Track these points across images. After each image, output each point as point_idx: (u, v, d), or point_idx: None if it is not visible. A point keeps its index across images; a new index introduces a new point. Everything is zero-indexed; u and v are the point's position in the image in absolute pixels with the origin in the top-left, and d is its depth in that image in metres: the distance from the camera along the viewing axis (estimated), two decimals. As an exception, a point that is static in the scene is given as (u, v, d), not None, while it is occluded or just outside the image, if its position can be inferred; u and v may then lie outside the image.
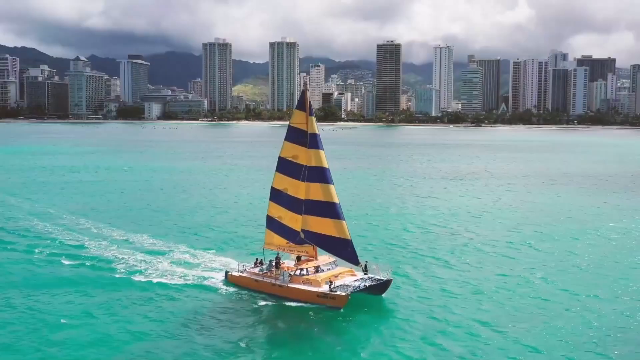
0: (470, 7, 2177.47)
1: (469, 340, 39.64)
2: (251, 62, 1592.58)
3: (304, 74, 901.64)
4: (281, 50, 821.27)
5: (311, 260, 49.53)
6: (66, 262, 56.81)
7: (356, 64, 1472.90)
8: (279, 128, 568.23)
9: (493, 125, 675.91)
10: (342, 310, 44.04)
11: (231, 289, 49.37)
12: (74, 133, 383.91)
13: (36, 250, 61.04)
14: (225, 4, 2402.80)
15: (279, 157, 50.63)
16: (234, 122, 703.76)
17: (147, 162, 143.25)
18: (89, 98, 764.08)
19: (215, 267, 54.87)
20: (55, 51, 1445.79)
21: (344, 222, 48.93)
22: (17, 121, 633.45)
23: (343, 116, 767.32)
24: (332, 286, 45.77)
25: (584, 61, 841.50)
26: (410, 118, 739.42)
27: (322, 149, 48.84)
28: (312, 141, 48.76)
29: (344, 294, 44.84)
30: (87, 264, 56.35)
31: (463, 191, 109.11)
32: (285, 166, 50.30)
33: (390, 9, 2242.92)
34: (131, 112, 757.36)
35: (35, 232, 69.51)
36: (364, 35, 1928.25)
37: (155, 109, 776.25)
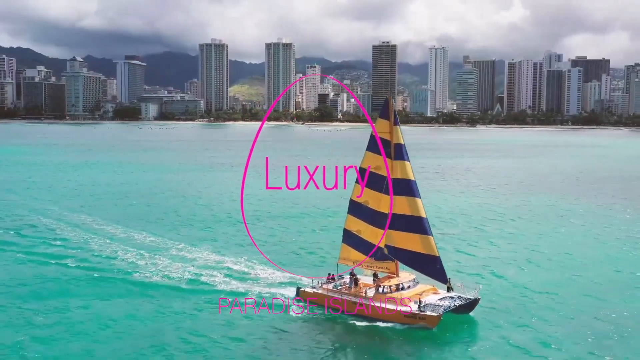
0: (465, 7, 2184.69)
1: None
2: (247, 62, 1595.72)
3: (300, 75, 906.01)
4: (277, 51, 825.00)
5: (392, 277, 46.44)
6: (137, 276, 54.49)
7: (352, 64, 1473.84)
8: (274, 128, 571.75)
9: (488, 125, 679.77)
10: (434, 330, 41.37)
11: (304, 307, 46.27)
12: (85, 135, 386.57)
13: (109, 266, 58.44)
14: (220, 4, 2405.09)
15: (360, 168, 48.02)
16: (231, 122, 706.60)
17: (192, 174, 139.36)
18: (86, 98, 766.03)
19: (281, 282, 51.82)
20: (50, 51, 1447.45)
21: (431, 237, 45.82)
22: (14, 121, 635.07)
23: (339, 117, 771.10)
24: (422, 305, 42.58)
25: (578, 62, 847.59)
26: (406, 119, 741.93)
27: (408, 160, 45.97)
28: (397, 152, 45.89)
29: (435, 314, 41.72)
30: (156, 278, 53.85)
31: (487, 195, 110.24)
32: (367, 177, 47.62)
33: (385, 9, 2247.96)
34: (128, 113, 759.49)
35: (103, 248, 65.40)
36: (359, 35, 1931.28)
37: (152, 109, 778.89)
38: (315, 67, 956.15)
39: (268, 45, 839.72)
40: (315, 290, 47.18)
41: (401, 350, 39.36)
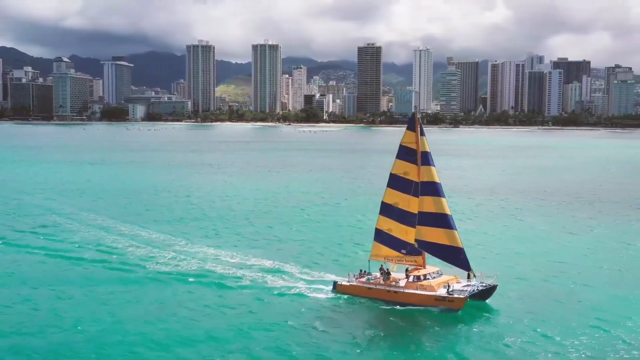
0: (449, 7, 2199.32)
1: (583, 337, 42.59)
2: (233, 62, 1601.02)
3: (287, 76, 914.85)
4: (264, 52, 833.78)
5: (419, 269, 51.76)
6: (176, 275, 57.98)
7: (338, 64, 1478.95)
8: (262, 129, 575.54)
9: (470, 126, 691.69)
10: (459, 313, 47.13)
11: (343, 297, 51.14)
12: (77, 136, 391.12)
13: (148, 267, 61.03)
14: (204, 4, 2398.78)
15: (391, 174, 53.39)
16: (218, 123, 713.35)
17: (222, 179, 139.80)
18: (74, 99, 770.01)
19: (314, 280, 55.75)
20: (34, 51, 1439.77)
21: (455, 231, 50.96)
22: (1, 122, 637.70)
23: (325, 117, 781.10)
24: (449, 290, 48.51)
25: (559, 63, 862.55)
26: (391, 119, 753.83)
27: (434, 166, 51.49)
28: (423, 158, 51.45)
29: (462, 296, 47.58)
30: (207, 279, 57.00)
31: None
32: (396, 182, 52.95)
33: (369, 9, 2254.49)
34: (115, 114, 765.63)
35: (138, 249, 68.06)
36: (344, 36, 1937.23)
37: (140, 110, 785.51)
38: (301, 68, 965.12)
39: (255, 47, 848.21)
40: (351, 283, 52.35)
41: (428, 331, 44.69)
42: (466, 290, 48.24)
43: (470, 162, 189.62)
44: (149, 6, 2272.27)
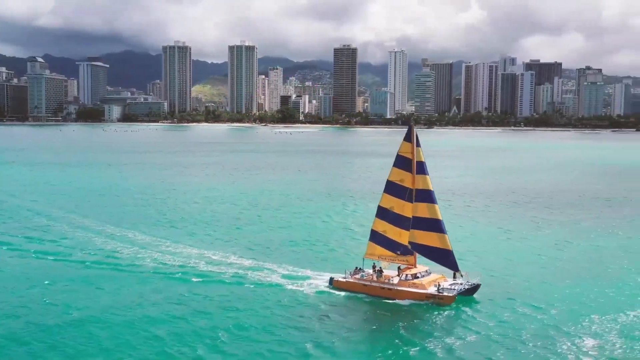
0: (424, 8, 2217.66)
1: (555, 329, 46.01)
2: (209, 62, 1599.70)
3: (263, 76, 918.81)
4: (240, 53, 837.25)
5: (411, 268, 55.34)
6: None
7: (314, 64, 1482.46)
8: (238, 130, 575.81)
9: (444, 127, 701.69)
10: (449, 307, 50.60)
11: (340, 293, 54.20)
12: (56, 138, 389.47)
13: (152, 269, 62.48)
14: (179, 4, 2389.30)
15: (387, 181, 57.09)
16: (194, 124, 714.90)
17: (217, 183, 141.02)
18: (49, 100, 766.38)
19: (310, 276, 58.67)
20: (7, 50, 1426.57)
21: (446, 235, 54.70)
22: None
23: (301, 118, 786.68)
24: (440, 288, 52.26)
25: (532, 65, 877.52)
26: (366, 120, 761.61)
27: (428, 174, 55.11)
28: (418, 168, 55.17)
29: (451, 294, 51.33)
30: (197, 277, 59.28)
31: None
32: (392, 188, 56.68)
33: (345, 9, 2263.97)
34: (91, 114, 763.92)
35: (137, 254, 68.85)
36: (320, 36, 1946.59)
37: (116, 111, 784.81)
38: (277, 68, 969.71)
39: (231, 48, 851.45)
40: (347, 280, 55.49)
41: (421, 324, 48.04)
42: (455, 289, 52.16)
43: (437, 163, 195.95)
44: (124, 5, 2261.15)
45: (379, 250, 57.10)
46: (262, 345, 43.51)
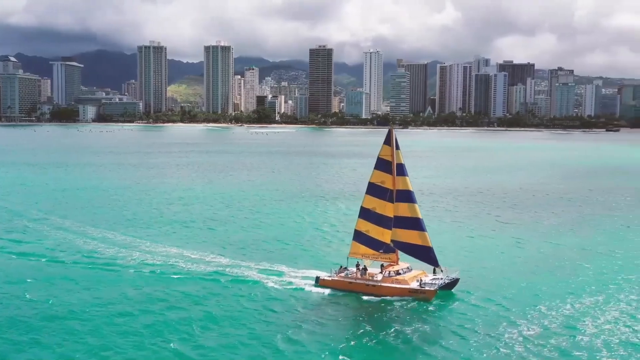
0: (399, 8, 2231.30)
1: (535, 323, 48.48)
2: (184, 61, 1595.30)
3: (239, 77, 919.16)
4: (216, 53, 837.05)
5: (393, 265, 57.65)
6: (175, 277, 60.67)
7: (290, 64, 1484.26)
8: (214, 131, 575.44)
9: (419, 127, 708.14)
10: (430, 302, 52.97)
11: (325, 291, 55.89)
12: (32, 138, 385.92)
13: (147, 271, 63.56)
14: (153, 3, 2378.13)
15: (369, 183, 59.23)
16: (170, 124, 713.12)
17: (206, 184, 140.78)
18: (22, 100, 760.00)
19: (297, 276, 60.28)
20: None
21: (426, 233, 57.17)
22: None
23: (277, 118, 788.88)
24: (422, 283, 54.71)
25: (505, 66, 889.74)
26: (342, 120, 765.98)
27: (407, 176, 57.66)
28: (398, 169, 57.52)
29: (432, 289, 53.73)
30: (195, 278, 60.58)
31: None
32: (374, 189, 58.81)
33: (320, 9, 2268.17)
34: (65, 115, 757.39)
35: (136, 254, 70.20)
36: (296, 36, 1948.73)
37: (90, 111, 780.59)
38: (253, 69, 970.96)
39: (207, 48, 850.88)
40: (333, 278, 57.30)
41: (406, 318, 50.11)
42: (436, 284, 54.58)
43: (408, 164, 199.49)
44: (97, 4, 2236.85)
45: (363, 249, 59.12)
46: (246, 341, 45.21)
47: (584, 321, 49.07)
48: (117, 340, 45.34)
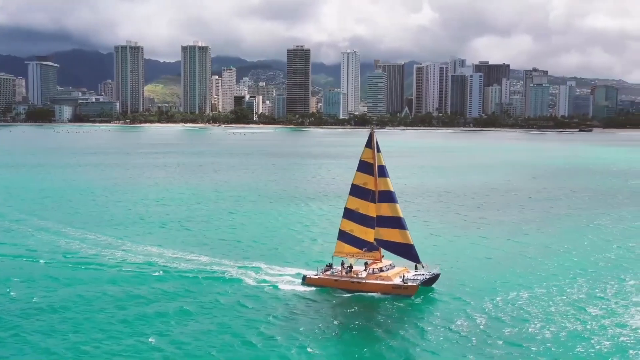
0: (376, 8, 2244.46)
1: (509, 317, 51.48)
2: (161, 61, 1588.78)
3: (216, 77, 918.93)
4: (193, 53, 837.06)
5: (377, 263, 59.84)
6: (171, 275, 62.72)
7: (268, 64, 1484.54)
8: (192, 131, 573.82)
9: (396, 127, 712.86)
10: (413, 298, 55.46)
11: (312, 289, 57.74)
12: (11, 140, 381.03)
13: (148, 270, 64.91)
14: (130, 2, 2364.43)
15: (352, 184, 61.43)
16: (147, 125, 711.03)
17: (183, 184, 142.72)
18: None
19: (282, 274, 62.16)
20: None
21: (407, 231, 59.49)
22: None
23: (255, 119, 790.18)
24: (404, 279, 57.06)
25: (481, 67, 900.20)
26: (320, 121, 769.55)
27: (389, 177, 59.98)
28: (380, 171, 59.65)
29: (414, 284, 56.09)
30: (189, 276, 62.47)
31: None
32: (357, 191, 60.92)
33: (297, 9, 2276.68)
34: (41, 115, 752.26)
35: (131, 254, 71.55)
36: (273, 35, 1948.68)
37: (67, 111, 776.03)
38: (230, 69, 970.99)
39: (184, 48, 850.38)
40: (319, 276, 59.24)
41: (390, 313, 52.62)
42: (417, 279, 56.89)
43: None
44: (72, 3, 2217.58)
45: (347, 248, 61.09)
46: (228, 338, 47.00)
47: (534, 309, 53.21)
48: (97, 336, 47.24)
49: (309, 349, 45.01)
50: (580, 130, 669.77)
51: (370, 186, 60.13)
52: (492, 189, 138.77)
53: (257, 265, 65.35)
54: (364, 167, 60.78)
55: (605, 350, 45.10)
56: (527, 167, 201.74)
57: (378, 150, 60.09)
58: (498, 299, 55.84)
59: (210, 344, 45.90)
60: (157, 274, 63.08)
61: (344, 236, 61.57)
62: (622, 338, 47.19)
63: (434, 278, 58.60)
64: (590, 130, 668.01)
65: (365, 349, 45.29)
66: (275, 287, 58.64)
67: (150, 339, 46.43)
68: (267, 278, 60.93)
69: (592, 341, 46.53)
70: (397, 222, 59.42)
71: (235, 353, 44.70)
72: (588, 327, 49.52)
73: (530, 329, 48.80)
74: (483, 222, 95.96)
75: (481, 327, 49.22)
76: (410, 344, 46.36)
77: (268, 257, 69.90)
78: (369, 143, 60.53)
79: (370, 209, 60.12)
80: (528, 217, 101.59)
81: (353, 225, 60.92)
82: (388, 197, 59.70)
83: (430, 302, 55.27)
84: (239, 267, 64.70)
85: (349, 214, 61.57)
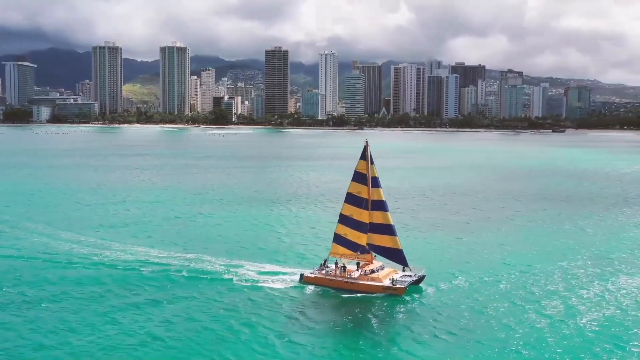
0: (353, 8, 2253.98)
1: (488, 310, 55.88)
2: (138, 60, 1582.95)
3: (195, 77, 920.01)
4: (172, 54, 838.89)
5: (369, 264, 64.39)
6: (173, 275, 65.52)
7: (246, 64, 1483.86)
8: (171, 132, 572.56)
9: (374, 128, 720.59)
10: (401, 297, 59.44)
11: (309, 287, 61.84)
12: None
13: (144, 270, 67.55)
14: (105, 1, 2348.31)
15: (347, 193, 66.08)
16: (126, 125, 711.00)
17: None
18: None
19: (282, 272, 66.53)
20: None
21: (397, 237, 64.12)
22: None
23: (234, 119, 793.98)
24: (393, 280, 61.22)
25: (457, 68, 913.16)
26: (298, 121, 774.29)
27: (381, 187, 64.70)
28: (373, 182, 64.36)
29: (403, 286, 60.33)
30: (187, 274, 65.90)
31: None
32: (352, 199, 65.65)
33: (275, 9, 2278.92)
34: (19, 116, 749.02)
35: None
36: (251, 35, 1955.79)
37: (45, 112, 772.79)
38: (209, 70, 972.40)
39: (162, 49, 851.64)
40: (316, 275, 63.49)
41: (380, 311, 56.51)
42: (406, 281, 61.46)
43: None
44: (46, 1, 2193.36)
45: (342, 249, 66.11)
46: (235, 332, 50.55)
47: (508, 303, 58.89)
48: (79, 329, 50.21)
49: (305, 344, 48.60)
50: (553, 131, 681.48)
51: (364, 195, 64.78)
52: (456, 191, 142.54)
53: (253, 265, 69.28)
54: (358, 177, 65.53)
55: (581, 342, 49.64)
56: (497, 169, 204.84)
57: (372, 163, 64.66)
58: (477, 295, 60.81)
59: (208, 343, 48.49)
60: (147, 274, 65.94)
61: (338, 239, 66.51)
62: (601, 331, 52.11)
63: (420, 279, 63.44)
64: (563, 131, 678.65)
65: (358, 344, 49.04)
66: (272, 286, 62.42)
67: (143, 338, 48.84)
68: (265, 277, 64.82)
69: (562, 335, 50.96)
70: (388, 229, 64.41)
71: (234, 351, 47.47)
72: (568, 323, 53.76)
73: (504, 322, 53.82)
74: (456, 224, 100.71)
75: (463, 321, 53.70)
76: (396, 340, 50.19)
77: (265, 257, 73.90)
78: (364, 155, 65.02)
79: (363, 216, 64.88)
80: (487, 216, 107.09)
81: (347, 229, 65.81)
82: (380, 206, 64.60)
83: (417, 302, 59.45)
84: (238, 266, 68.51)
85: (343, 219, 66.54)
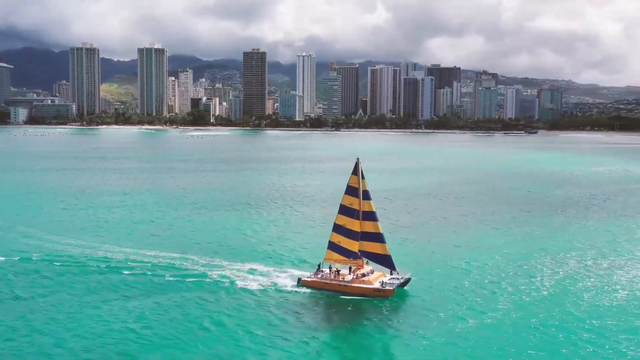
0: (331, 8, 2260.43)
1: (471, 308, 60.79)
2: (115, 60, 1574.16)
3: (172, 78, 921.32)
4: (150, 55, 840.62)
5: (360, 269, 69.53)
6: (171, 278, 69.25)
7: (224, 63, 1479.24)
8: (149, 133, 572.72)
9: (351, 129, 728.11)
10: (390, 298, 64.25)
11: (307, 290, 66.49)
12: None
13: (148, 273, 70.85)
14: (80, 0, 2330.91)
15: (341, 205, 71.46)
16: (104, 127, 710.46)
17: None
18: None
19: (281, 276, 71.20)
20: None
21: (386, 244, 69.31)
22: None
23: (212, 120, 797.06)
24: (383, 283, 66.48)
25: (433, 70, 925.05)
26: (276, 122, 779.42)
27: (371, 200, 69.96)
28: (364, 195, 69.72)
29: (391, 288, 65.50)
30: (188, 279, 69.43)
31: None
32: (345, 210, 71.03)
33: (253, 8, 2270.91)
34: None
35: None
36: (229, 34, 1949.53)
37: (22, 113, 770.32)
38: (187, 71, 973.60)
39: (140, 50, 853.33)
40: (312, 279, 68.49)
41: (371, 311, 60.99)
42: (394, 283, 66.92)
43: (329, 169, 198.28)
44: (20, 0, 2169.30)
45: (336, 256, 71.61)
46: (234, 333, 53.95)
47: (489, 301, 63.46)
48: (69, 325, 53.15)
49: (300, 343, 52.58)
50: (526, 132, 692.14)
51: (356, 206, 70.55)
52: (420, 194, 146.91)
53: (254, 268, 73.96)
54: (351, 190, 71.30)
55: (563, 339, 53.30)
56: (461, 171, 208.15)
57: (362, 177, 70.28)
58: (458, 295, 65.81)
59: (208, 343, 51.76)
60: (142, 278, 68.66)
61: (332, 246, 71.98)
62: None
63: (407, 281, 69.00)
64: (536, 132, 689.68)
65: (351, 343, 53.66)
66: (272, 287, 67.15)
67: (143, 340, 51.39)
68: (265, 279, 69.68)
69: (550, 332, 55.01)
70: (378, 237, 70.18)
71: (233, 348, 50.99)
72: (550, 319, 58.26)
73: (488, 321, 58.00)
74: (430, 225, 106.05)
75: (449, 322, 57.92)
76: (385, 338, 54.62)
77: (263, 261, 78.41)
78: (355, 171, 70.64)
79: (355, 225, 70.58)
80: (447, 219, 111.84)
81: (340, 237, 71.41)
82: (371, 216, 70.37)
83: (404, 302, 64.62)
84: (238, 270, 72.90)
85: (337, 228, 72.07)
